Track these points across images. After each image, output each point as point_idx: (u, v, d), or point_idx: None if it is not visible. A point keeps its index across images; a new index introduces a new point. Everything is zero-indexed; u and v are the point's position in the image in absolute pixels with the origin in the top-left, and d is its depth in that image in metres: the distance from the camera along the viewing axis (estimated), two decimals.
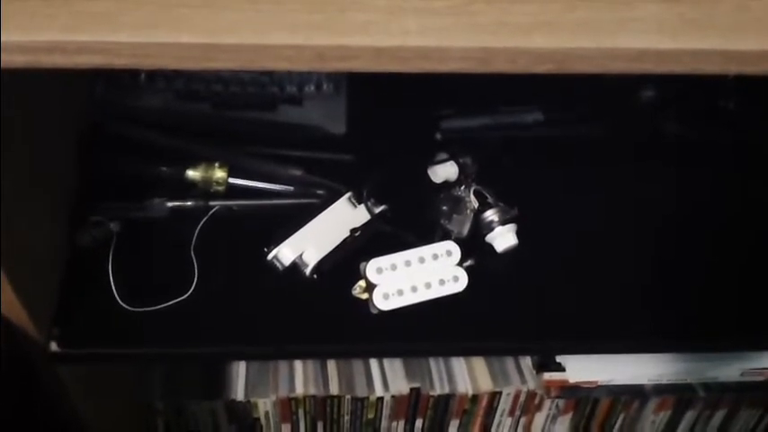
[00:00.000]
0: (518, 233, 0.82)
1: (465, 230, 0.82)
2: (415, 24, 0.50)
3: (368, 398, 1.02)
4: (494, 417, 1.08)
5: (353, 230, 0.80)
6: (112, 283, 0.77)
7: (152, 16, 0.49)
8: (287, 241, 0.79)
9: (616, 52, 0.50)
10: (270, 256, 0.79)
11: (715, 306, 0.83)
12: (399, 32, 0.50)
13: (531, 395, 1.05)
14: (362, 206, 0.82)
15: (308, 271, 0.79)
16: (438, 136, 0.91)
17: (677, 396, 1.08)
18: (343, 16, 0.50)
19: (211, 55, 0.49)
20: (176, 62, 0.49)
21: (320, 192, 0.85)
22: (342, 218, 0.82)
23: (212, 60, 0.50)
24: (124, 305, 0.76)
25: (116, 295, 0.77)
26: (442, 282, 0.77)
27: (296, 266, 0.79)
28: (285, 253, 0.79)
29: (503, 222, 0.81)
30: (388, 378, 1.02)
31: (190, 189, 0.85)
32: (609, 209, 0.90)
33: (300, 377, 1.02)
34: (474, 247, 0.81)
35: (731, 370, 1.03)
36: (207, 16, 0.49)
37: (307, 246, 0.79)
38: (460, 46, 0.50)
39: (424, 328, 0.78)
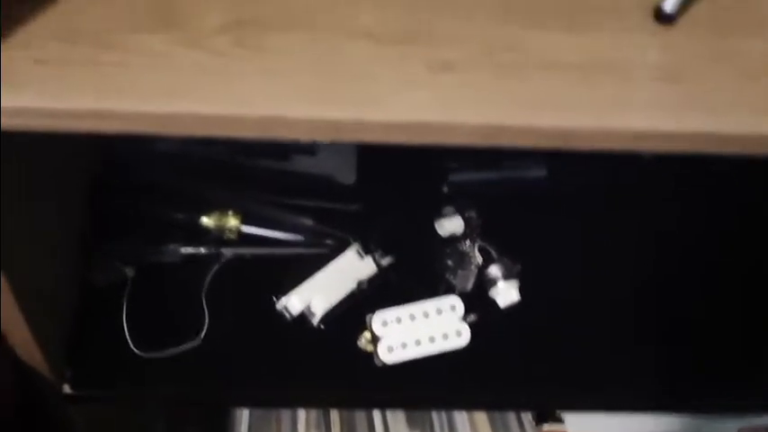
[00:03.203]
0: (521, 288, 0.84)
1: (469, 285, 0.84)
2: (425, 98, 0.53)
3: None
4: None
5: (360, 283, 0.82)
6: (125, 327, 0.80)
7: (169, 84, 0.52)
8: (295, 291, 0.82)
9: (617, 132, 0.53)
10: (279, 305, 0.81)
11: (714, 364, 0.85)
12: (410, 106, 0.52)
13: None
14: (370, 257, 0.84)
15: (315, 321, 0.81)
16: (445, 189, 0.93)
17: None
18: (357, 88, 0.53)
19: (229, 125, 0.52)
20: (194, 131, 0.52)
21: (329, 241, 0.88)
22: (349, 269, 0.84)
23: (230, 130, 0.52)
24: (136, 349, 0.79)
25: (128, 339, 0.79)
26: (445, 336, 0.79)
27: (304, 316, 0.81)
28: (294, 303, 0.81)
29: (506, 278, 0.83)
30: (390, 427, 1.03)
31: (203, 236, 0.87)
32: (611, 265, 0.91)
33: (303, 423, 1.03)
34: (477, 302, 0.83)
35: (727, 429, 1.04)
36: (224, 85, 0.52)
37: (315, 296, 0.81)
38: (469, 122, 0.52)
39: (427, 382, 0.80)
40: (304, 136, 0.53)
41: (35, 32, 0.54)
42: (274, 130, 0.52)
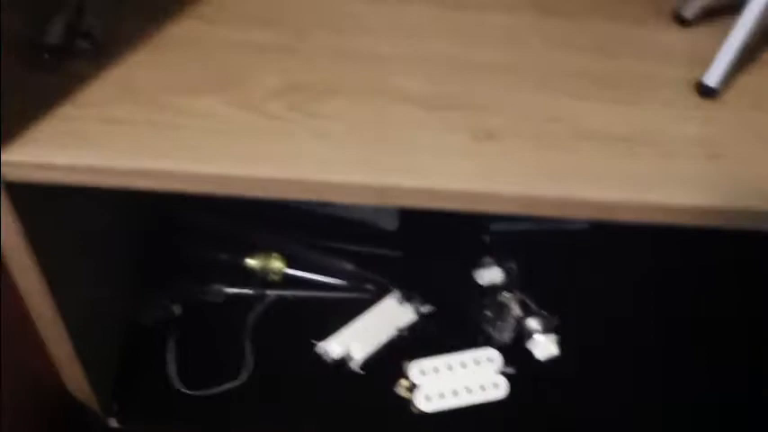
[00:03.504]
0: (560, 341, 0.85)
1: (507, 337, 0.85)
2: (467, 167, 0.55)
3: None
4: None
5: (400, 331, 0.84)
6: (171, 365, 0.82)
7: (224, 147, 0.54)
8: (336, 336, 0.84)
9: (656, 207, 0.54)
10: (319, 349, 0.83)
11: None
12: (453, 175, 0.54)
13: None
14: (410, 305, 0.86)
15: (354, 365, 0.82)
16: (486, 238, 0.94)
17: None
18: (402, 155, 0.55)
19: (279, 188, 0.54)
20: (246, 192, 0.55)
21: (370, 287, 0.89)
22: (390, 315, 0.86)
23: (280, 192, 0.54)
24: (180, 387, 0.81)
25: (174, 375, 0.82)
26: (482, 388, 0.80)
27: (344, 360, 0.83)
28: (334, 347, 0.83)
29: (544, 331, 0.84)
30: None
31: (248, 276, 0.90)
32: (652, 321, 0.91)
33: None
34: (515, 354, 0.84)
35: None
36: (276, 149, 0.55)
37: (355, 341, 0.83)
38: (509, 193, 0.54)
39: None
40: (349, 200, 0.55)
41: (100, 92, 0.57)
42: (321, 193, 0.54)
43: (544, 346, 0.84)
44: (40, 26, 0.59)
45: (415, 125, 0.57)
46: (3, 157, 0.53)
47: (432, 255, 0.93)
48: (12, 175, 0.54)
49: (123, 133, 0.55)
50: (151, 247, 0.91)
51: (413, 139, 0.56)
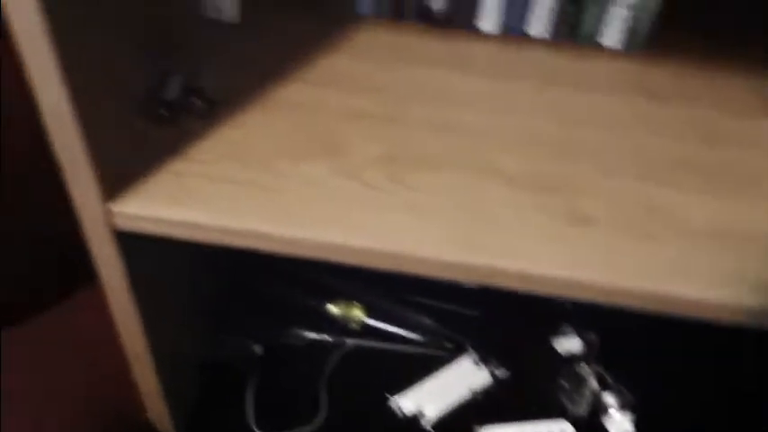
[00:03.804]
0: (635, 419, 0.83)
1: (582, 410, 0.84)
2: (560, 252, 0.55)
3: None
4: None
5: (474, 393, 0.84)
6: (249, 404, 0.84)
7: (322, 213, 0.56)
8: (410, 391, 0.84)
9: (754, 310, 0.53)
10: (393, 403, 0.84)
11: None
12: (544, 259, 0.55)
13: None
14: (485, 368, 0.86)
15: (426, 423, 0.83)
16: (568, 305, 0.94)
17: None
18: (493, 235, 0.56)
19: (371, 258, 0.56)
20: (341, 259, 0.56)
21: (447, 345, 0.90)
22: (465, 376, 0.86)
23: (371, 262, 0.56)
24: (254, 426, 0.83)
25: (250, 415, 0.84)
26: None
27: (416, 416, 0.84)
28: (407, 403, 0.84)
29: (620, 408, 0.83)
30: None
31: (329, 323, 0.92)
32: (732, 409, 0.89)
33: None
34: (589, 429, 0.83)
35: None
36: (371, 219, 0.56)
37: (428, 399, 0.84)
38: (594, 283, 0.54)
39: None
40: (437, 275, 0.56)
41: (209, 149, 0.60)
42: (410, 266, 0.56)
43: (620, 424, 0.83)
44: (158, 82, 0.63)
45: (509, 204, 0.58)
46: (116, 208, 0.56)
47: (511, 316, 0.94)
48: (122, 224, 0.57)
49: (227, 192, 0.57)
50: (238, 290, 0.94)
51: (506, 218, 0.57)
